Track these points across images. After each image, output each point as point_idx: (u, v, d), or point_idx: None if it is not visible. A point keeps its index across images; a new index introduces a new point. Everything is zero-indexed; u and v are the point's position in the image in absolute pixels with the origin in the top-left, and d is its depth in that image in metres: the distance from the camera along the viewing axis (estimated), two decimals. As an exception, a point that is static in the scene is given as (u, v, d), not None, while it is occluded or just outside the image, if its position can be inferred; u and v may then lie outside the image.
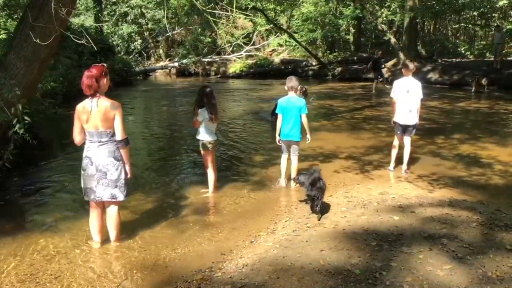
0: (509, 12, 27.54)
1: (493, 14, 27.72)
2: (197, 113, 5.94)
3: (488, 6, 26.16)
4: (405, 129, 6.94)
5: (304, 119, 6.32)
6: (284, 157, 6.58)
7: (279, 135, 6.42)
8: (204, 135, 6.05)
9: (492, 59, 20.25)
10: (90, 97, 4.24)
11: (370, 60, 20.02)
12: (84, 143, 4.39)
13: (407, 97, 6.77)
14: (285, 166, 6.57)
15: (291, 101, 6.30)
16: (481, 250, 4.08)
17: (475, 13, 27.01)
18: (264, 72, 26.92)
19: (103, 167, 4.32)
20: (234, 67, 28.28)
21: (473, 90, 17.54)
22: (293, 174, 6.34)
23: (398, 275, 3.67)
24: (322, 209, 5.14)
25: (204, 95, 5.98)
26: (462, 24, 29.39)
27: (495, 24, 23.04)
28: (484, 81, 17.44)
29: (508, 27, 23.28)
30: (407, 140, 7.00)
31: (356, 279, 3.62)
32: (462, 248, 4.13)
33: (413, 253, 4.05)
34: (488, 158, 7.87)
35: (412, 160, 7.53)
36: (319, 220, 5.03)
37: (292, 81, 6.33)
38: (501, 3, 25.56)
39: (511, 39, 24.08)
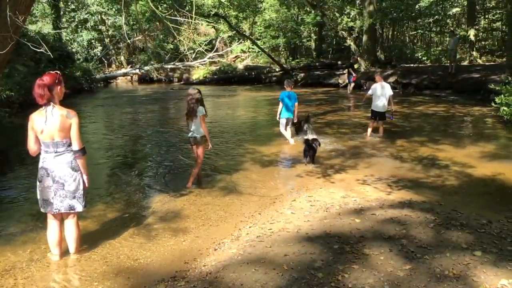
0: (461, 20, 28.69)
1: (447, 21, 28.82)
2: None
3: (442, 14, 27.19)
4: (377, 114, 10.15)
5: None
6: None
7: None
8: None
9: (447, 64, 20.98)
10: (44, 106, 4.09)
11: (347, 67, 21.68)
12: (39, 153, 4.24)
13: (380, 94, 10.11)
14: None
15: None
16: (438, 249, 4.21)
17: (430, 20, 28.02)
18: (228, 78, 26.96)
19: (60, 178, 4.18)
20: (198, 73, 28.15)
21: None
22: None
23: (360, 277, 3.73)
24: (310, 160, 7.85)
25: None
26: (419, 31, 30.32)
27: (449, 30, 23.88)
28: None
29: (461, 33, 24.17)
30: (380, 123, 10.35)
31: (319, 283, 3.66)
32: (420, 248, 4.25)
33: (374, 255, 4.13)
34: (445, 160, 8.15)
35: (373, 163, 8.06)
36: (305, 164, 7.78)
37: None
38: (454, 10, 26.65)
39: (464, 45, 25.04)
